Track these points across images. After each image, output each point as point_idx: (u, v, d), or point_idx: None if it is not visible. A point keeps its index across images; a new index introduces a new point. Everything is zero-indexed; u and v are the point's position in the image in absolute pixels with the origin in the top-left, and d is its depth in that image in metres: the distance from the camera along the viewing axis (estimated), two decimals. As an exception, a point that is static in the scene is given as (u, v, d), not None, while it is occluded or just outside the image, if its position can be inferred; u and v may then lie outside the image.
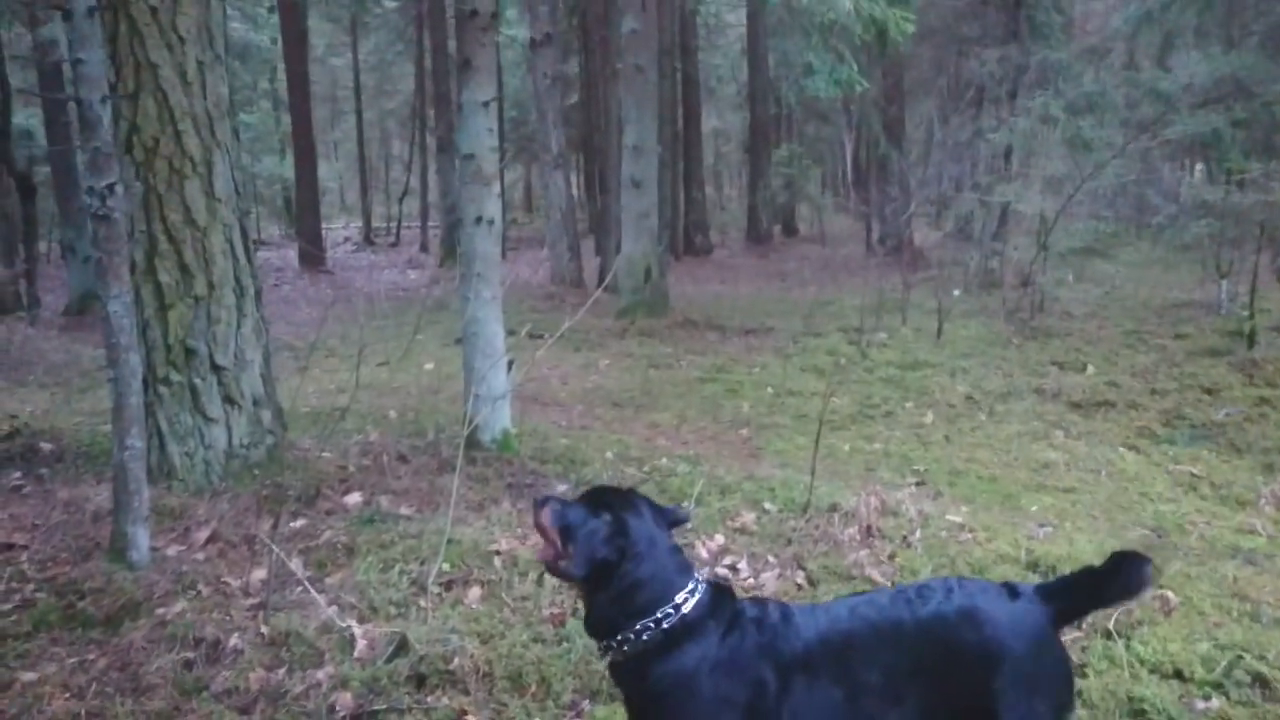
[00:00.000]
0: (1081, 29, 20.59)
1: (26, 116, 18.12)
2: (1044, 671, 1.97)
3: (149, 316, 4.29)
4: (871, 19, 9.37)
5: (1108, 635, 3.22)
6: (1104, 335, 10.11)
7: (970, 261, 14.67)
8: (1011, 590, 2.03)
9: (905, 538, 4.22)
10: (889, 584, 3.78)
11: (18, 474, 5.14)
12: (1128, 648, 3.13)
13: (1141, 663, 3.07)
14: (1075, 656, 3.09)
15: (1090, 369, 8.78)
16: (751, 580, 3.77)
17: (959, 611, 1.97)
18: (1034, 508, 5.43)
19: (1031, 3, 16.09)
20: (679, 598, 1.97)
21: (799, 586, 3.76)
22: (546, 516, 2.04)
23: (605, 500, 2.06)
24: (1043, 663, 1.97)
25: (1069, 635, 3.19)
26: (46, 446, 5.41)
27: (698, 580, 2.02)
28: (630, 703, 2.04)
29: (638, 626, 1.94)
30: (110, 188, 3.45)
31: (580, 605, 2.63)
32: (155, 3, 4.10)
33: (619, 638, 1.96)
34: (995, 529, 4.42)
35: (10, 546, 4.13)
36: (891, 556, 4.03)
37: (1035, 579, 3.73)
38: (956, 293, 12.53)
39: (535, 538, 3.74)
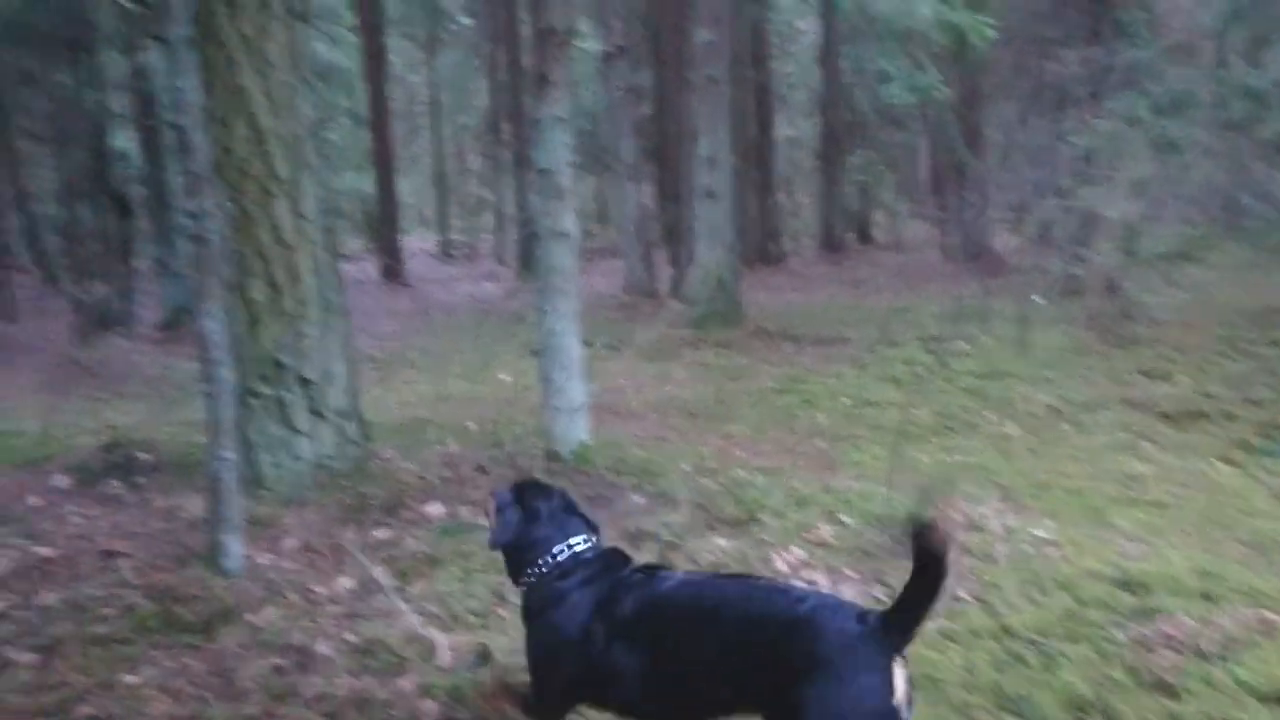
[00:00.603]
0: (1167, 27, 19.93)
1: (123, 139, 18.91)
2: (854, 701, 1.99)
3: (240, 332, 4.45)
4: (951, 25, 9.18)
5: (1203, 656, 3.11)
6: (1195, 343, 9.76)
7: (1052, 268, 14.30)
8: (861, 616, 2.09)
9: (989, 553, 4.13)
10: (973, 600, 3.71)
11: (117, 483, 5.37)
12: (1225, 669, 3.02)
13: (1241, 685, 2.96)
14: (1171, 679, 2.99)
15: (1181, 378, 8.49)
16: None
17: (802, 617, 2.07)
18: (1124, 523, 5.25)
19: (1115, 1, 15.66)
20: (574, 541, 2.50)
21: (880, 601, 3.71)
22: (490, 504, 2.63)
23: (527, 492, 2.62)
24: (856, 692, 1.99)
25: (1167, 659, 3.10)
26: (144, 456, 5.63)
27: (595, 540, 2.55)
28: None
29: (538, 563, 2.48)
30: (205, 210, 3.59)
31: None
32: (246, 30, 4.26)
33: (524, 577, 2.51)
34: (1083, 544, 4.30)
35: (113, 553, 4.31)
36: (976, 572, 3.95)
37: (1128, 598, 3.62)
38: (1038, 300, 12.23)
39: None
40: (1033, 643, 3.36)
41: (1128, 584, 3.79)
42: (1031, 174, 15.30)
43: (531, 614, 2.49)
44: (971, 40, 9.53)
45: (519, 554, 2.54)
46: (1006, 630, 3.46)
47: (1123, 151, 12.94)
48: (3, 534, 4.74)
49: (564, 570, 2.45)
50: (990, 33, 9.76)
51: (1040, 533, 4.43)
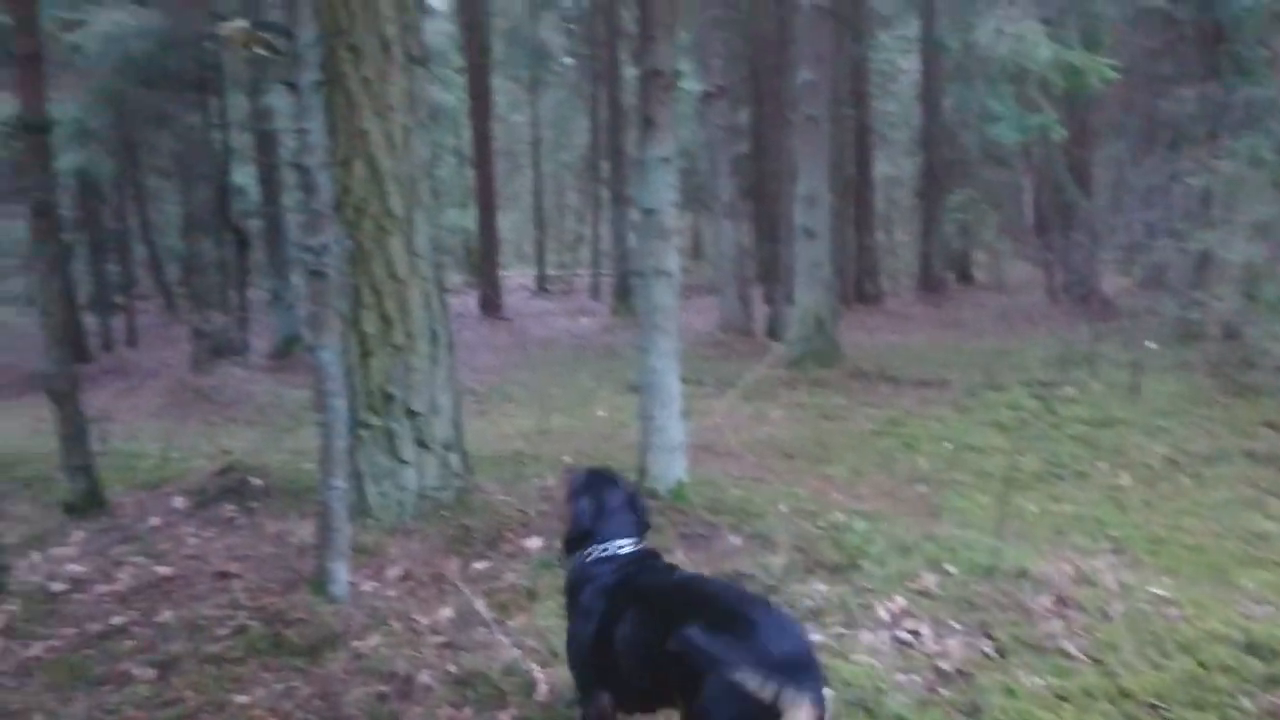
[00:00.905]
0: (1290, 63, 19.12)
1: (242, 175, 19.84)
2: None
3: (352, 364, 4.59)
4: (1071, 67, 8.90)
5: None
6: (1325, 394, 9.24)
7: (1166, 311, 13.76)
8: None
9: (1103, 610, 3.95)
10: (1086, 659, 3.56)
11: (231, 506, 5.58)
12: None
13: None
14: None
15: (1310, 430, 8.04)
16: (936, 647, 3.62)
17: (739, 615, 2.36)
18: (1249, 583, 4.97)
19: (1233, 37, 15.10)
20: (622, 543, 2.84)
21: (986, 656, 3.58)
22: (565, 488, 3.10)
23: (594, 484, 2.98)
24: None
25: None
26: (256, 482, 5.84)
27: (641, 541, 2.90)
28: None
29: (589, 551, 2.83)
30: (325, 246, 3.74)
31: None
32: (368, 75, 4.44)
33: (571, 559, 2.89)
34: (1205, 605, 4.08)
35: (226, 574, 4.47)
36: (1089, 629, 3.78)
37: (1256, 664, 3.42)
38: (1151, 345, 11.75)
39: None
40: (1153, 707, 3.21)
41: (1255, 649, 3.59)
42: (1144, 214, 14.80)
43: (570, 591, 2.87)
44: (1091, 82, 9.23)
45: (575, 540, 2.91)
46: (1124, 693, 3.31)
47: (1243, 192, 12.41)
48: (126, 552, 4.98)
49: (602, 561, 2.82)
50: (1112, 74, 9.45)
51: (1158, 590, 4.23)
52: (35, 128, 5.24)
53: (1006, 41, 8.83)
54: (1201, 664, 3.48)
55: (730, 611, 2.38)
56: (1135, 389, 9.36)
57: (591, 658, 2.72)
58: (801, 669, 2.23)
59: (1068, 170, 18.49)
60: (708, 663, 2.22)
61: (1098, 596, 4.06)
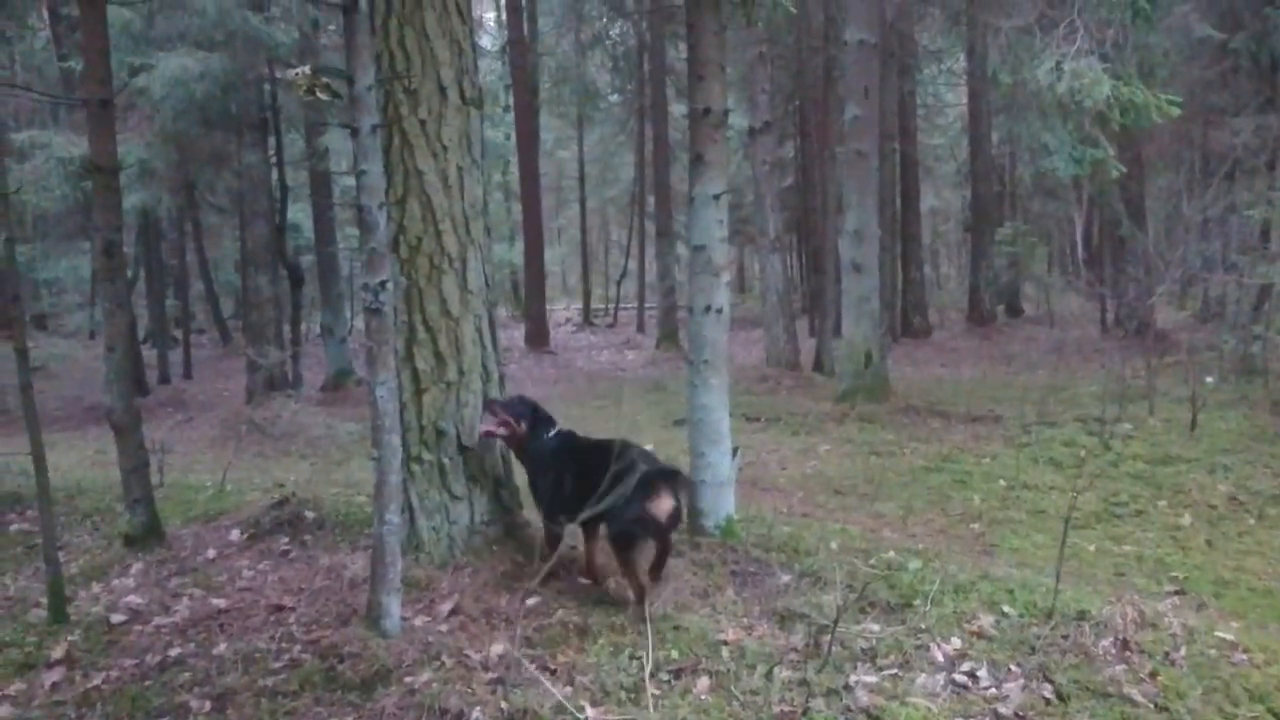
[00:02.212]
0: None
1: (294, 211, 20.29)
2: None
3: (406, 400, 4.64)
4: (1132, 104, 8.72)
5: None
6: (1395, 431, 8.94)
7: (1225, 345, 13.46)
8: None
9: (1168, 654, 3.84)
10: (1151, 705, 3.46)
11: (285, 539, 5.65)
12: None
13: None
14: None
15: (1381, 469, 7.77)
16: (994, 690, 3.55)
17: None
18: (1320, 628, 4.81)
19: (1291, 68, 14.87)
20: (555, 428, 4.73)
21: (1046, 701, 3.49)
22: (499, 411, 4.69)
23: (514, 401, 4.77)
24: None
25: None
26: (309, 515, 5.91)
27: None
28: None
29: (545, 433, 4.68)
30: (383, 284, 3.80)
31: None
32: (424, 116, 4.54)
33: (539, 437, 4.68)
34: (1275, 650, 3.95)
35: (281, 608, 4.52)
36: (1153, 675, 3.67)
37: (1331, 713, 3.30)
38: (1210, 380, 11.49)
39: (760, 629, 3.71)
40: (1224, 758, 3.11)
41: (1330, 697, 3.47)
42: (1200, 246, 14.55)
43: (537, 457, 4.68)
44: (1153, 117, 9.08)
45: (535, 425, 4.70)
46: (1192, 742, 3.21)
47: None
48: (183, 584, 5.06)
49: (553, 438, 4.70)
50: (1176, 110, 9.29)
51: (1225, 635, 4.10)
52: (105, 170, 5.41)
53: (1064, 78, 8.70)
54: (1272, 712, 3.37)
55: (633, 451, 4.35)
56: (1194, 425, 9.14)
57: (555, 492, 4.50)
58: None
59: (1123, 202, 18.25)
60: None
61: (1161, 640, 3.95)
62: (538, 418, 4.67)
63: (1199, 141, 18.65)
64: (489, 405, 4.71)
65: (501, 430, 4.62)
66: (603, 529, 4.39)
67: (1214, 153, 18.47)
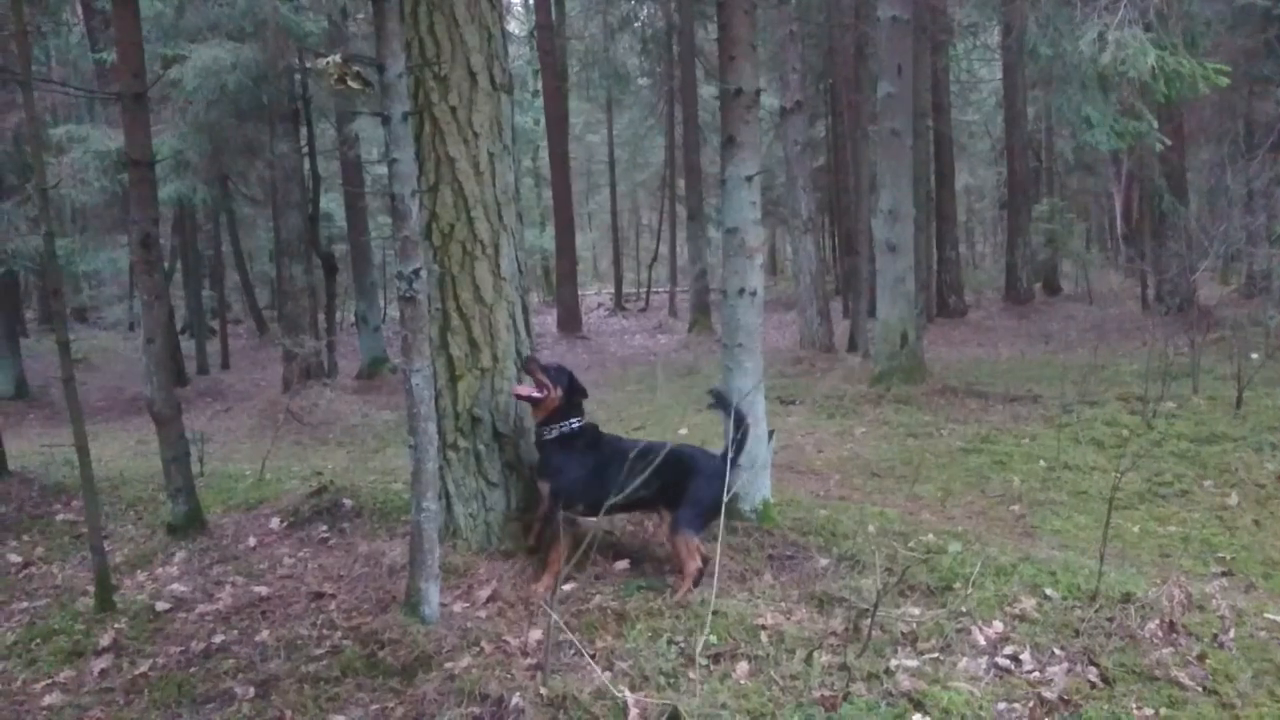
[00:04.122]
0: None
1: (326, 201, 20.43)
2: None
3: (441, 387, 4.65)
4: (1177, 74, 8.45)
5: None
6: None
7: (1270, 321, 13.18)
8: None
9: (1216, 636, 3.77)
10: (1200, 689, 3.40)
11: (324, 527, 5.70)
12: None
13: None
14: None
15: None
16: (1037, 674, 3.50)
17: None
18: (1374, 609, 4.70)
19: (1339, 35, 14.46)
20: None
21: (1092, 685, 3.44)
22: (537, 372, 4.52)
23: (560, 368, 4.62)
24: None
25: None
26: (347, 502, 5.96)
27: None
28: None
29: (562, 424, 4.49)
30: (416, 272, 3.80)
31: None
32: (455, 103, 4.52)
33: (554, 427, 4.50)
34: (1328, 633, 3.87)
35: (321, 595, 4.57)
36: (1201, 657, 3.61)
37: (1390, 697, 3.22)
38: (1255, 356, 11.25)
39: (799, 614, 3.69)
40: (1275, 743, 3.04)
41: (1386, 680, 3.38)
42: (1244, 220, 14.23)
43: (562, 444, 4.52)
44: (1199, 87, 8.83)
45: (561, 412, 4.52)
46: (1243, 727, 3.14)
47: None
48: (226, 572, 5.13)
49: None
50: (1224, 80, 9.04)
51: (1276, 617, 4.03)
52: (141, 163, 5.46)
53: (1108, 48, 8.45)
54: (1327, 697, 3.29)
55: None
56: (1240, 403, 8.95)
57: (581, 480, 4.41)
58: None
59: (1163, 176, 17.88)
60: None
61: (1209, 623, 3.88)
62: (574, 387, 4.54)
63: (1243, 112, 18.23)
64: (529, 364, 4.56)
65: (537, 394, 4.47)
66: (669, 520, 4.38)
67: (1258, 123, 18.05)
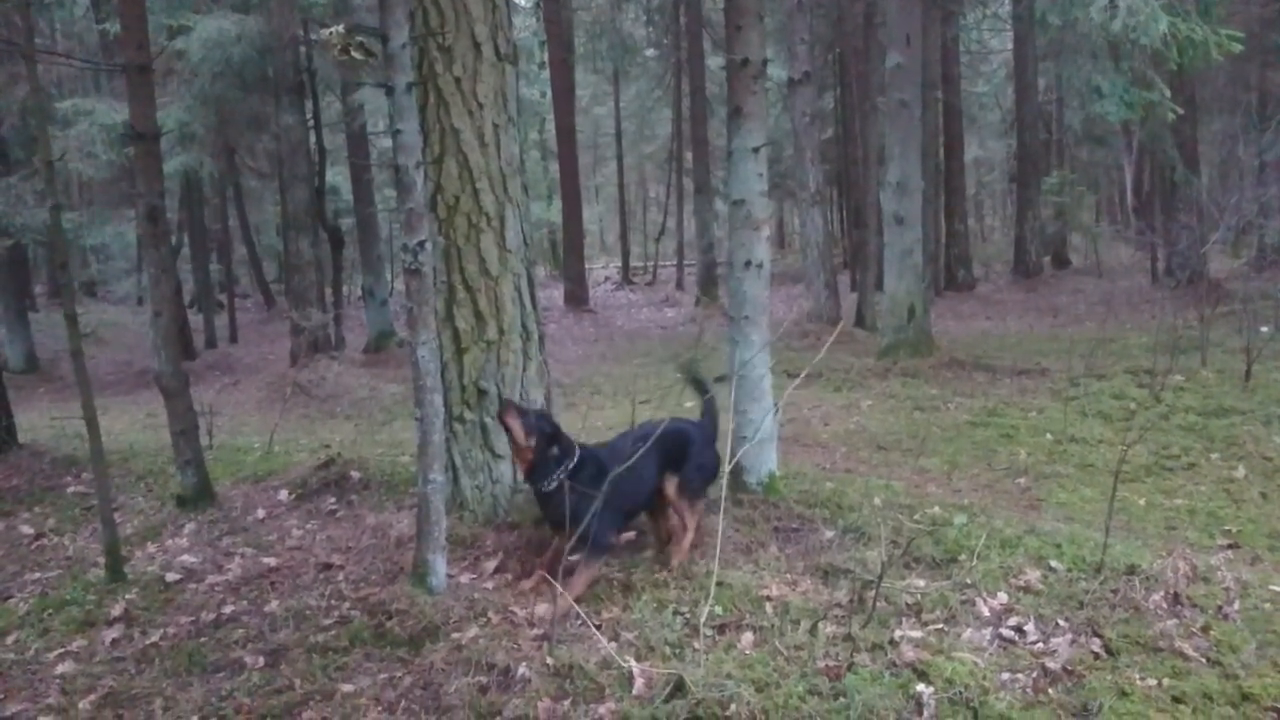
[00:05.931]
0: None
1: (333, 174, 20.37)
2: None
3: (447, 360, 4.66)
4: (1190, 40, 8.30)
5: None
6: None
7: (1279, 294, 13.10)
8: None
9: (1220, 608, 3.78)
10: (1203, 659, 3.41)
11: (332, 499, 5.74)
12: None
13: None
14: None
15: None
16: (1042, 645, 3.51)
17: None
18: (1379, 582, 4.70)
19: (1355, 3, 14.26)
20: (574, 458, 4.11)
21: (1096, 656, 3.45)
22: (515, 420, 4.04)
23: (542, 415, 4.23)
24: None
25: None
26: (355, 474, 6.00)
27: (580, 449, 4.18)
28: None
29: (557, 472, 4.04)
30: (421, 244, 3.79)
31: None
32: (459, 73, 4.50)
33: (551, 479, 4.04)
34: (1333, 605, 3.87)
35: (329, 566, 4.60)
36: (1205, 629, 3.61)
37: (1393, 668, 3.22)
38: (1265, 330, 11.19)
39: (804, 585, 3.70)
40: (1278, 712, 3.05)
41: (1390, 651, 3.39)
42: (1255, 192, 14.10)
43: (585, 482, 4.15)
44: (1213, 55, 8.70)
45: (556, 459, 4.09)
46: (1246, 696, 3.15)
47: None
48: (235, 543, 5.17)
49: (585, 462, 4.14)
50: (1237, 46, 8.90)
51: (1280, 588, 4.03)
52: (146, 135, 5.45)
53: (1119, 15, 8.30)
54: (1330, 667, 3.29)
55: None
56: (1249, 376, 8.91)
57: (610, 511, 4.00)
58: None
59: (1175, 147, 17.72)
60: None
61: (1214, 595, 3.88)
62: (556, 438, 4.07)
63: (1256, 82, 18.04)
64: (505, 410, 4.06)
65: (515, 432, 4.00)
66: (675, 482, 4.33)
67: (1271, 94, 17.86)
